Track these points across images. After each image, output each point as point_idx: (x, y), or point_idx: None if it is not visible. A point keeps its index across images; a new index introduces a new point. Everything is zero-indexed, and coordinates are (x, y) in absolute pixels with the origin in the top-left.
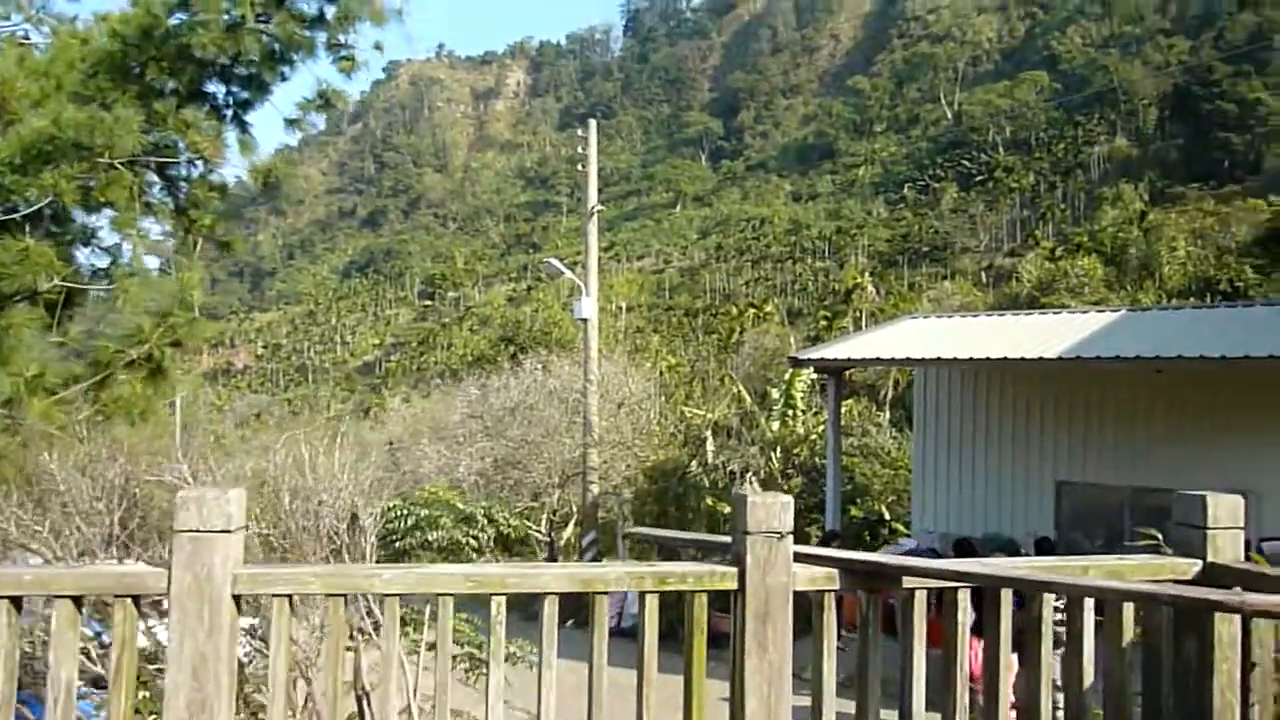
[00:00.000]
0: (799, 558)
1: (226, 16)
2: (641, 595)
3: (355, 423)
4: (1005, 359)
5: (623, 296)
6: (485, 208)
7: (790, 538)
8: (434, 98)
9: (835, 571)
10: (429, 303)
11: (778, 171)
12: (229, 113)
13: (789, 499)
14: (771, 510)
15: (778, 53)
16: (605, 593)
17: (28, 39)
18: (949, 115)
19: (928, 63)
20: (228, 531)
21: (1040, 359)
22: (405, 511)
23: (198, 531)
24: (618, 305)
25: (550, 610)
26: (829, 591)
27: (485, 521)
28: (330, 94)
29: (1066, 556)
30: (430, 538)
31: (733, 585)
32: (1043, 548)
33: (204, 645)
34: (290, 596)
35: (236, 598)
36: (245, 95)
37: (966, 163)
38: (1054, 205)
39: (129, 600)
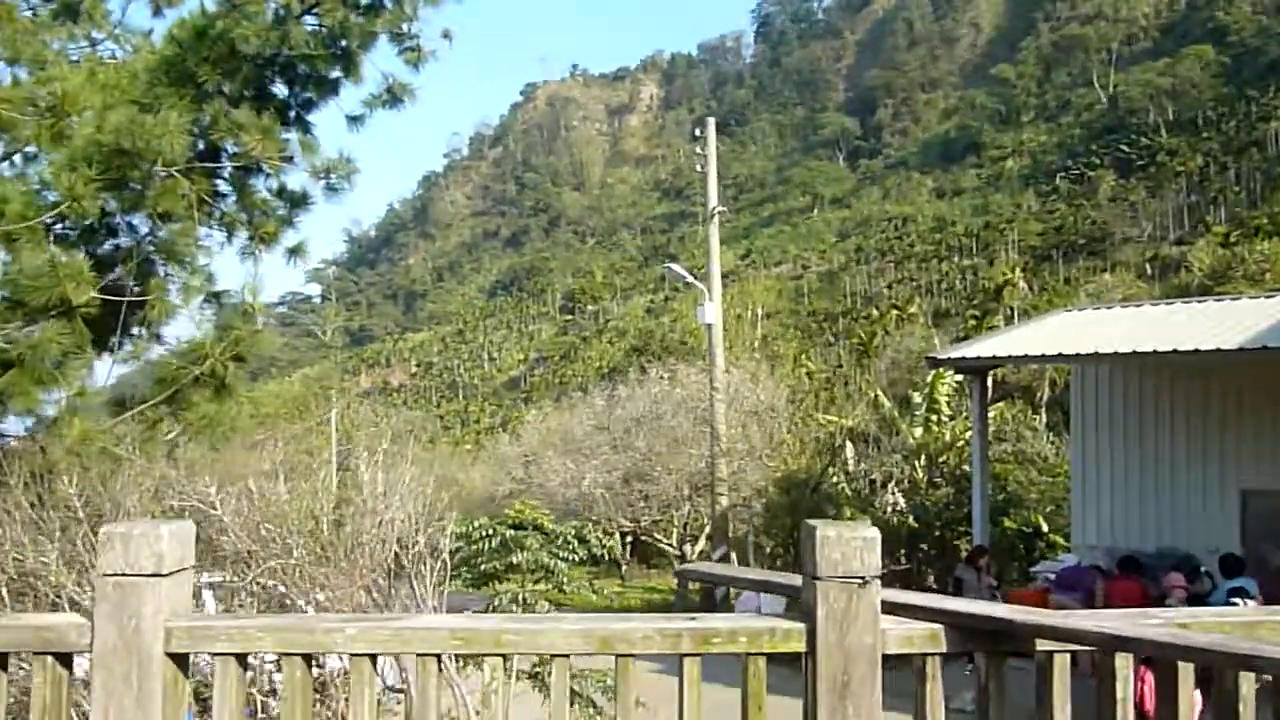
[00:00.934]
0: (891, 608)
1: (272, 7)
2: (680, 661)
3: (493, 437)
4: (1177, 352)
5: (761, 303)
6: (622, 221)
7: (877, 583)
8: (570, 117)
9: (940, 628)
10: (570, 317)
11: (919, 168)
12: (293, 114)
13: (874, 533)
14: (851, 547)
15: (914, 46)
16: (632, 655)
17: (114, 58)
18: (1103, 99)
19: (1078, 45)
20: (159, 575)
21: (1220, 350)
22: (490, 532)
23: (123, 575)
24: (755, 312)
25: (560, 677)
26: (932, 655)
27: (576, 543)
28: (397, 88)
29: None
30: (515, 560)
31: (800, 646)
32: (1229, 565)
33: (131, 716)
34: (238, 656)
35: (176, 656)
36: (308, 95)
37: (1125, 148)
38: (1226, 188)
39: (49, 658)
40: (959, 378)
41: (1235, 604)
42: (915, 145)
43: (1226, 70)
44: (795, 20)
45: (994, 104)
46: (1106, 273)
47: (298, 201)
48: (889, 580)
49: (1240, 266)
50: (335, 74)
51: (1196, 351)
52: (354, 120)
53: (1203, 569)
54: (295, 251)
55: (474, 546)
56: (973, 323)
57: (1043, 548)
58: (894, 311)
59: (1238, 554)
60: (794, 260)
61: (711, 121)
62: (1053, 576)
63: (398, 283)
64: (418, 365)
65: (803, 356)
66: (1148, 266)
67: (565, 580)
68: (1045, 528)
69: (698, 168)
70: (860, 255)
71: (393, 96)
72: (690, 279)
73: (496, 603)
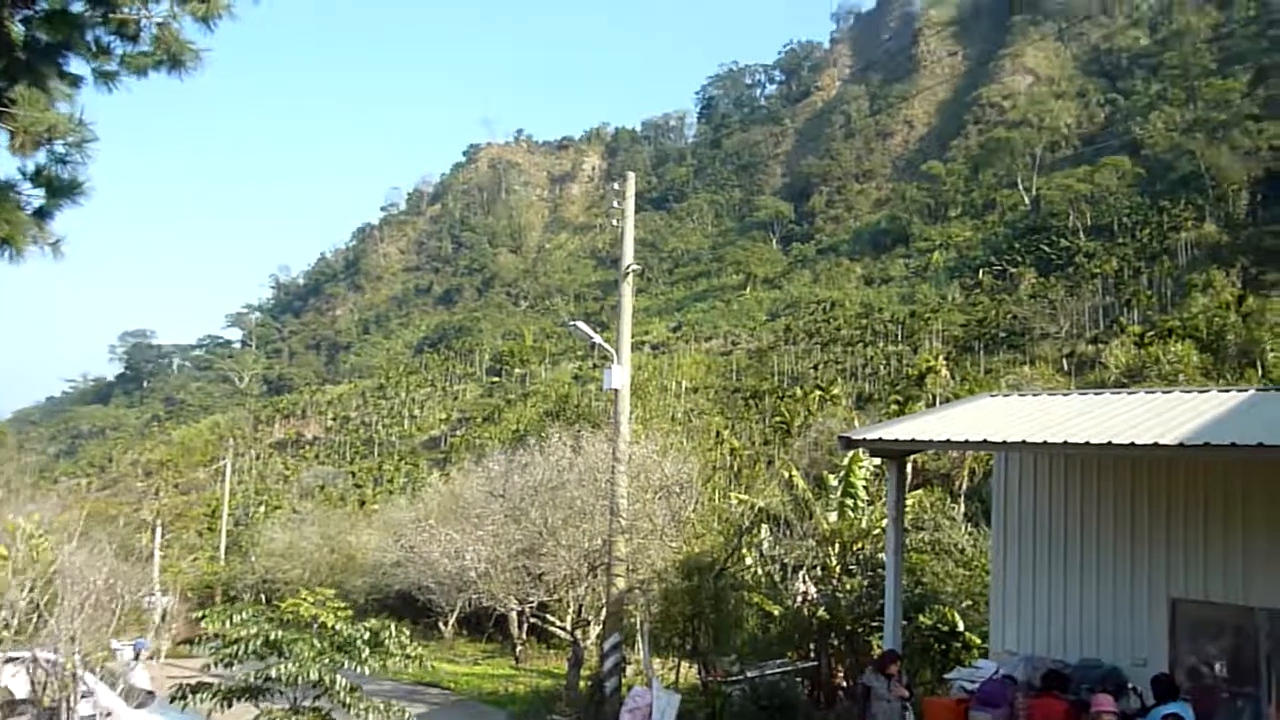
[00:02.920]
0: None
1: None
2: None
3: (388, 500)
4: (1112, 444)
5: (689, 377)
6: (557, 287)
7: None
8: (511, 180)
9: None
10: (496, 379)
11: (849, 255)
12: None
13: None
14: None
15: (850, 138)
16: None
17: None
18: (1026, 200)
19: (1004, 148)
20: None
21: (1155, 445)
22: (252, 628)
23: None
24: (680, 384)
25: None
26: None
27: (366, 650)
28: (177, 47)
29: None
30: (275, 673)
31: None
32: (1162, 688)
33: None
34: None
35: None
36: (45, 39)
37: (1045, 248)
38: (1140, 291)
39: None
40: (878, 462)
41: None
42: (847, 233)
43: (1141, 181)
44: (738, 105)
45: (924, 198)
46: (1026, 365)
47: (58, 188)
48: (797, 675)
49: (1155, 366)
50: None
51: (1132, 445)
52: (104, 77)
53: (1129, 684)
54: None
55: (229, 649)
56: (895, 407)
57: (958, 649)
58: (818, 392)
59: (1169, 673)
60: (724, 336)
61: (631, 177)
62: (970, 686)
63: (322, 333)
64: (334, 419)
65: (726, 432)
66: (1064, 362)
67: (344, 701)
68: (961, 626)
69: (614, 222)
70: (789, 335)
71: (172, 58)
72: (596, 338)
73: None
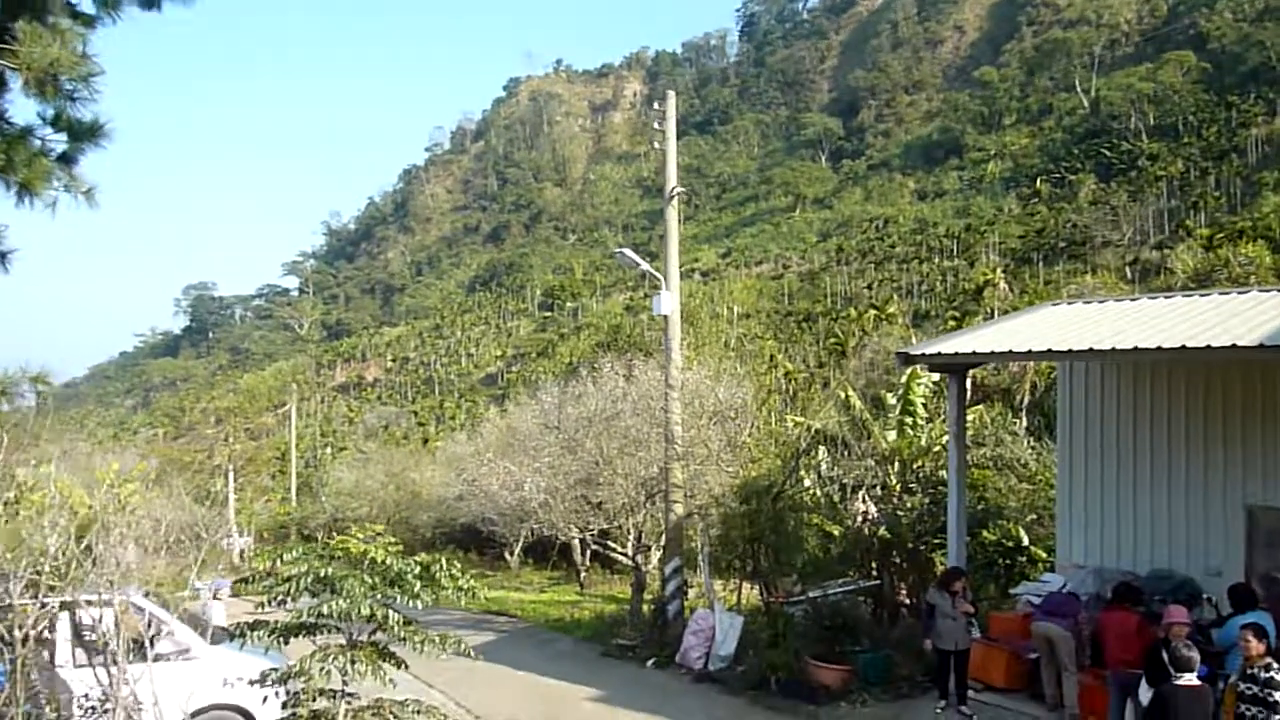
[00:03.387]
0: None
1: None
2: None
3: (450, 437)
4: (1184, 348)
5: (740, 302)
6: (604, 218)
7: None
8: (553, 112)
9: None
10: (549, 314)
11: (901, 170)
12: None
13: None
14: None
15: (899, 48)
16: None
17: None
18: (1085, 103)
19: (1061, 49)
20: None
21: (1233, 347)
22: (304, 567)
23: None
24: (733, 310)
25: None
26: None
27: (417, 585)
28: None
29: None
30: (328, 609)
31: None
32: (1240, 597)
33: None
34: None
35: None
36: None
37: (1106, 152)
38: (1206, 193)
39: None
40: (936, 378)
41: (1250, 643)
42: (898, 147)
43: (1207, 76)
44: (780, 20)
45: (977, 107)
46: (1088, 275)
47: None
48: (860, 594)
49: (1224, 269)
50: None
51: (1208, 348)
52: (107, 5)
53: (1204, 595)
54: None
55: (281, 587)
56: (953, 324)
57: (1024, 563)
58: (873, 312)
59: (1245, 582)
60: (775, 260)
61: (672, 95)
62: (1036, 600)
63: (376, 277)
64: (394, 360)
65: (780, 356)
66: (1128, 270)
67: (399, 636)
68: (1026, 540)
69: (656, 145)
70: (841, 256)
71: None
72: (643, 265)
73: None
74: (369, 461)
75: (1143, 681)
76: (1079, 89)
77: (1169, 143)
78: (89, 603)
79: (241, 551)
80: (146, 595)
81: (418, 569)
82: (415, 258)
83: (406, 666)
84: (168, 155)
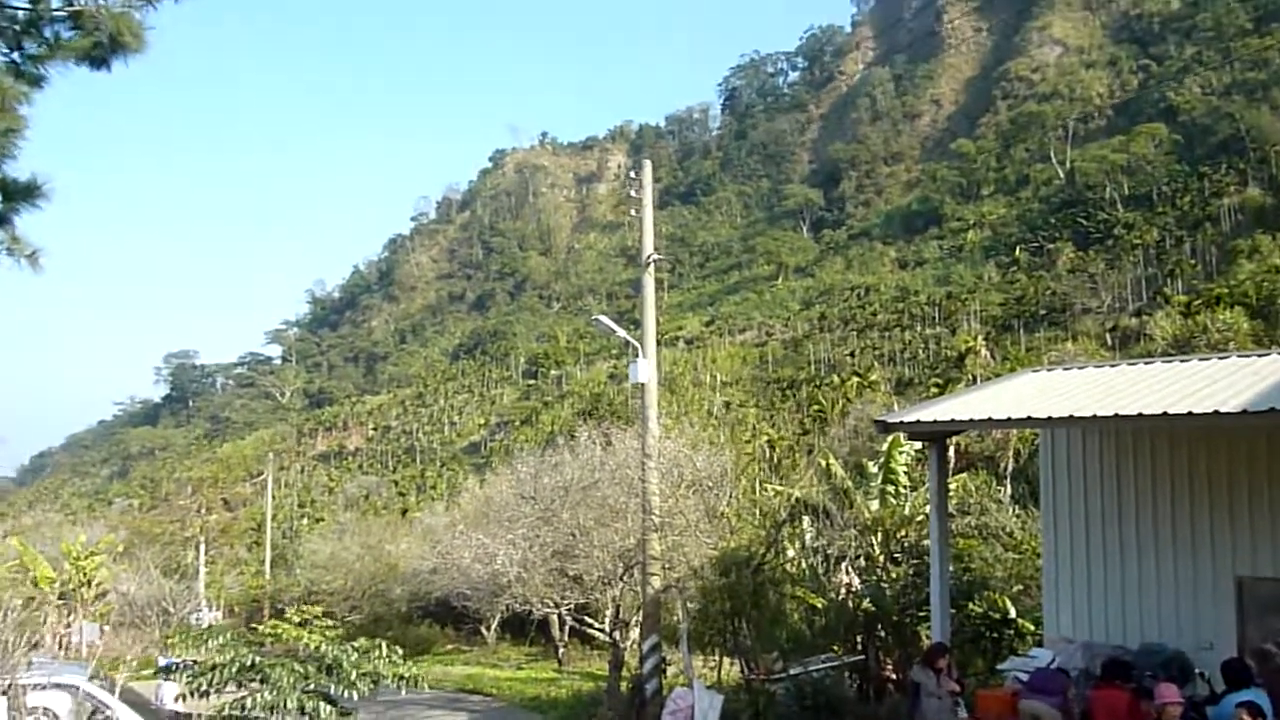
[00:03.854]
0: None
1: None
2: None
3: (429, 507)
4: (1165, 415)
5: (723, 370)
6: (588, 286)
7: None
8: (538, 184)
9: None
10: (533, 382)
11: (882, 239)
12: None
13: None
14: None
15: (877, 121)
16: None
17: None
18: (1060, 174)
19: (1035, 122)
20: None
21: (1216, 413)
22: (230, 654)
23: None
24: (716, 378)
25: None
26: None
27: (355, 674)
28: (121, 28)
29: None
30: (250, 704)
31: None
32: (1234, 673)
33: None
34: None
35: None
36: None
37: (1082, 221)
38: (1183, 261)
39: None
40: (918, 446)
41: None
42: (878, 216)
43: (1179, 148)
44: (761, 94)
45: (955, 177)
46: (1069, 342)
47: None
48: (844, 670)
49: (1203, 335)
50: None
51: (1190, 415)
52: (34, 60)
53: (1196, 670)
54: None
55: (202, 677)
56: (935, 390)
57: (1011, 637)
58: (855, 379)
59: (1240, 658)
60: (758, 327)
61: (648, 164)
62: (1024, 676)
63: (360, 345)
64: (375, 429)
65: (762, 424)
66: (1108, 337)
67: None
68: (1013, 612)
69: (632, 212)
70: (824, 323)
71: (115, 43)
72: (619, 331)
73: None
74: (345, 533)
75: None
76: (1054, 160)
77: (1144, 212)
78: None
79: (211, 625)
80: (93, 678)
81: (354, 655)
82: (399, 326)
83: None
84: (150, 222)
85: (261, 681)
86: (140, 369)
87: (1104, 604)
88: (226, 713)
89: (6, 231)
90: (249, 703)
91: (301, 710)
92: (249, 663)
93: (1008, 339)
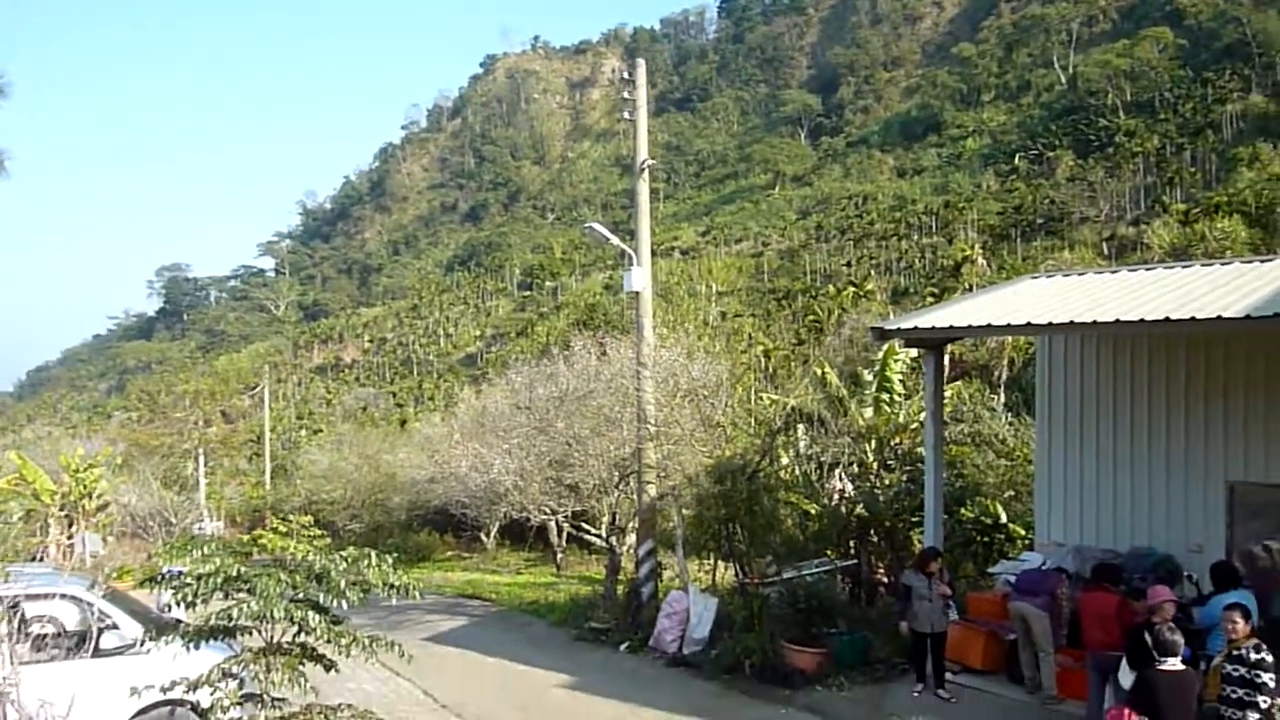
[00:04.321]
0: None
1: None
2: None
3: (426, 415)
4: (1168, 320)
5: (719, 280)
6: (583, 197)
7: None
8: (530, 90)
9: None
10: (528, 293)
11: (880, 147)
12: None
13: None
14: None
15: (877, 24)
16: None
17: None
18: (1063, 80)
19: (1038, 25)
20: None
21: (1219, 319)
22: (214, 564)
23: None
24: (711, 288)
25: None
26: None
27: (344, 582)
28: None
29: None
30: (236, 613)
31: None
32: (1222, 575)
33: None
34: None
35: None
36: None
37: (1083, 128)
38: (1182, 169)
39: None
40: (913, 355)
41: (1236, 624)
42: (877, 124)
43: (1184, 53)
44: None
45: (955, 83)
46: (1066, 250)
47: None
48: (837, 574)
49: (1201, 244)
50: None
51: (1192, 320)
52: None
53: (1185, 573)
54: None
55: (187, 588)
56: (931, 300)
57: (1002, 541)
58: (851, 289)
59: (1228, 560)
60: (754, 237)
61: (641, 63)
62: (1013, 579)
63: (353, 257)
64: (371, 341)
65: (758, 334)
66: (1105, 246)
67: (324, 637)
68: (1004, 518)
69: (626, 115)
70: (820, 233)
71: None
72: (613, 239)
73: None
74: (343, 444)
75: (1123, 664)
76: (1057, 66)
77: (1146, 119)
78: (31, 597)
79: (213, 536)
80: (92, 587)
81: (344, 564)
82: (392, 237)
83: (336, 669)
84: (140, 135)
85: (249, 592)
86: (133, 282)
87: (1095, 508)
88: (214, 622)
89: None
90: (235, 612)
91: (290, 619)
92: (234, 573)
93: (1004, 248)
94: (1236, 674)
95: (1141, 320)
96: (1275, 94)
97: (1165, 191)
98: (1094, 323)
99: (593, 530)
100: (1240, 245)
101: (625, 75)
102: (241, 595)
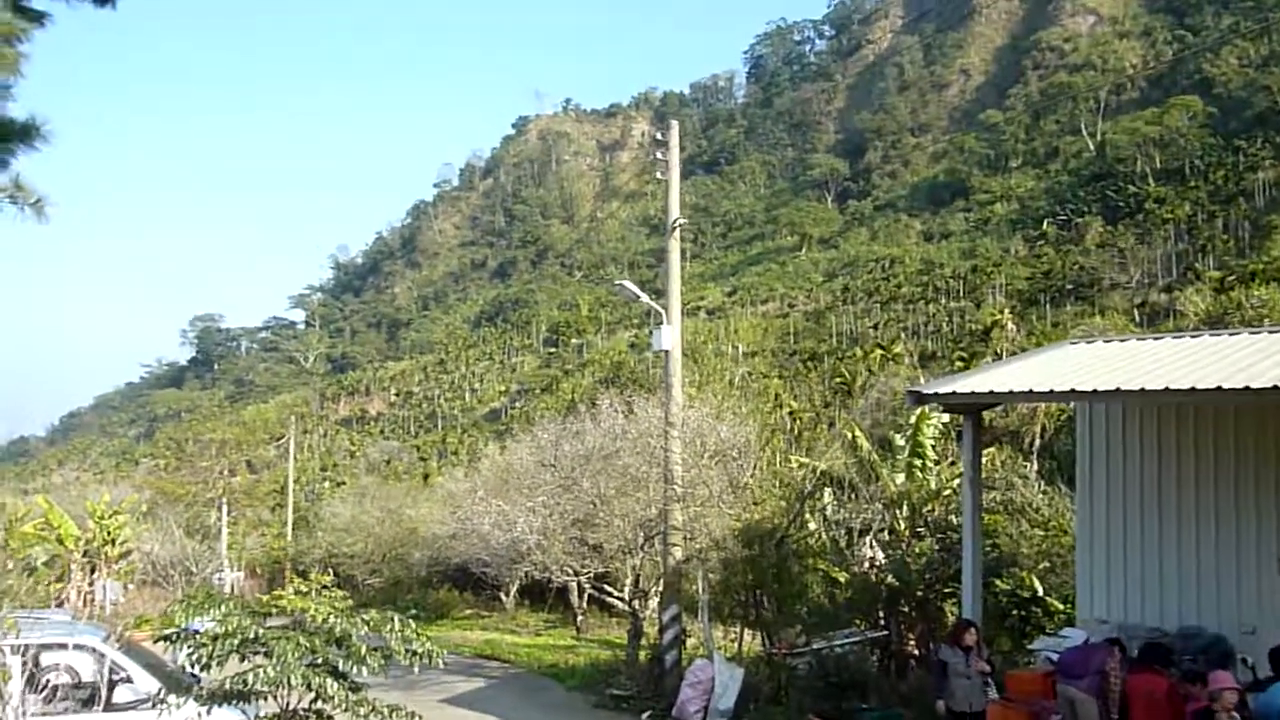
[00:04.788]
0: None
1: None
2: None
3: (450, 470)
4: (1219, 389)
5: (746, 341)
6: (610, 256)
7: None
8: (561, 151)
9: None
10: (553, 350)
11: (907, 211)
12: None
13: None
14: None
15: (905, 90)
16: None
17: None
18: (1091, 147)
19: (1066, 93)
20: None
21: (1275, 389)
22: (232, 625)
23: None
24: (737, 349)
25: None
26: None
27: (363, 651)
28: None
29: None
30: (251, 678)
31: None
32: None
33: None
34: None
35: None
36: None
37: (1112, 194)
38: (1215, 236)
39: None
40: (945, 420)
41: None
42: (904, 188)
43: (1214, 121)
44: (787, 62)
45: (983, 149)
46: (1096, 317)
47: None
48: (867, 646)
49: (1237, 312)
50: None
51: (1247, 390)
52: None
53: (1239, 655)
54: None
55: (202, 650)
56: (960, 364)
57: (1039, 614)
58: (879, 351)
59: None
60: (780, 298)
61: (675, 125)
62: (1054, 657)
63: (383, 311)
64: (397, 394)
65: (785, 395)
66: (1136, 313)
67: (341, 705)
68: (1040, 590)
69: (659, 175)
70: (847, 295)
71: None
72: (642, 296)
73: None
74: (365, 497)
75: None
76: (1085, 132)
77: (1176, 186)
78: (46, 647)
79: (233, 587)
80: (107, 638)
81: (365, 628)
82: (422, 293)
83: None
84: (179, 184)
85: (266, 655)
86: (167, 331)
87: (1140, 585)
88: (229, 686)
89: (8, 176)
90: (251, 678)
91: (308, 686)
92: (252, 635)
93: (1034, 314)
94: None
95: (1192, 389)
96: None
97: (1198, 259)
98: (1142, 390)
99: (615, 593)
100: (1278, 313)
101: (657, 137)
102: (259, 659)
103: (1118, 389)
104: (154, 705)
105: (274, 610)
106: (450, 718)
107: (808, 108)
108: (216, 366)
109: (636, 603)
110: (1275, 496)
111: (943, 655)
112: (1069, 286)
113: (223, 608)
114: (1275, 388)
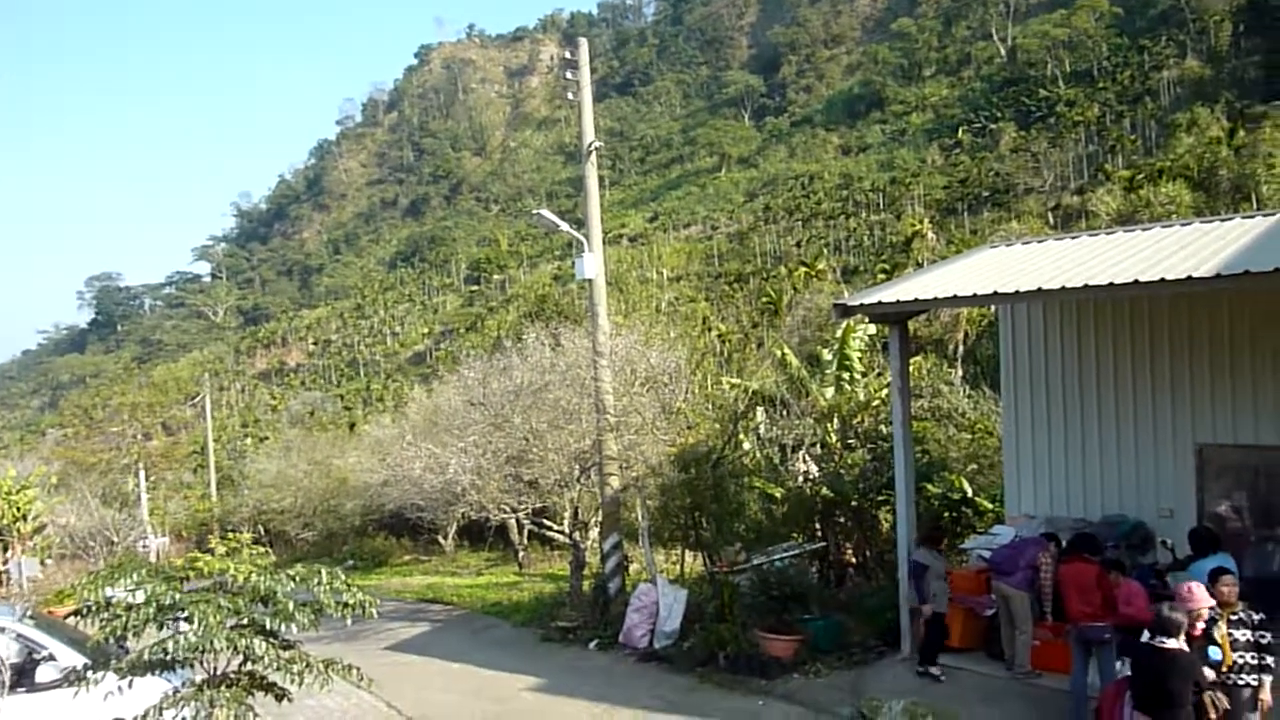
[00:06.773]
0: None
1: None
2: None
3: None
4: (1137, 283)
5: (670, 266)
6: (527, 187)
7: None
8: (468, 80)
9: None
10: (475, 288)
11: (824, 125)
12: None
13: None
14: None
15: (817, 2)
16: None
17: None
18: (1002, 52)
19: None
20: None
21: (1189, 279)
22: (145, 593)
23: None
24: (662, 274)
25: None
26: None
27: (291, 606)
28: None
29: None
30: (171, 646)
31: None
32: (1201, 540)
33: None
34: None
35: None
36: None
37: (1024, 100)
38: (1123, 137)
39: None
40: (871, 332)
41: (1230, 589)
42: (820, 102)
43: (1120, 21)
44: None
45: (897, 59)
46: (1013, 222)
47: None
48: (807, 558)
49: (1146, 210)
50: None
51: (1161, 282)
52: None
53: (1160, 539)
54: None
55: (115, 622)
56: (882, 276)
57: (970, 515)
58: (803, 269)
59: (1208, 525)
60: (703, 221)
61: (584, 43)
62: (986, 554)
63: (292, 258)
64: (315, 343)
65: (712, 318)
66: (1051, 215)
67: (274, 665)
68: (970, 491)
69: (570, 97)
70: (768, 215)
71: None
72: (562, 225)
73: None
74: (291, 450)
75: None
76: (996, 38)
77: (1085, 88)
78: None
79: (158, 554)
80: (23, 616)
81: (291, 584)
82: (332, 236)
83: (290, 698)
84: (64, 139)
85: (187, 620)
86: (62, 294)
87: (1064, 479)
88: (148, 657)
89: None
90: (171, 645)
91: (234, 648)
92: (169, 601)
93: (952, 222)
94: (1244, 639)
95: (1111, 284)
96: (1211, 59)
97: (1107, 160)
98: (1062, 288)
99: (555, 526)
100: (1185, 209)
101: (566, 56)
102: (181, 625)
103: (1039, 289)
104: (72, 683)
105: (191, 574)
106: (395, 664)
107: (719, 23)
108: (120, 328)
109: (577, 534)
110: (1190, 385)
111: (922, 558)
112: (985, 194)
113: (134, 575)
114: (1189, 278)
